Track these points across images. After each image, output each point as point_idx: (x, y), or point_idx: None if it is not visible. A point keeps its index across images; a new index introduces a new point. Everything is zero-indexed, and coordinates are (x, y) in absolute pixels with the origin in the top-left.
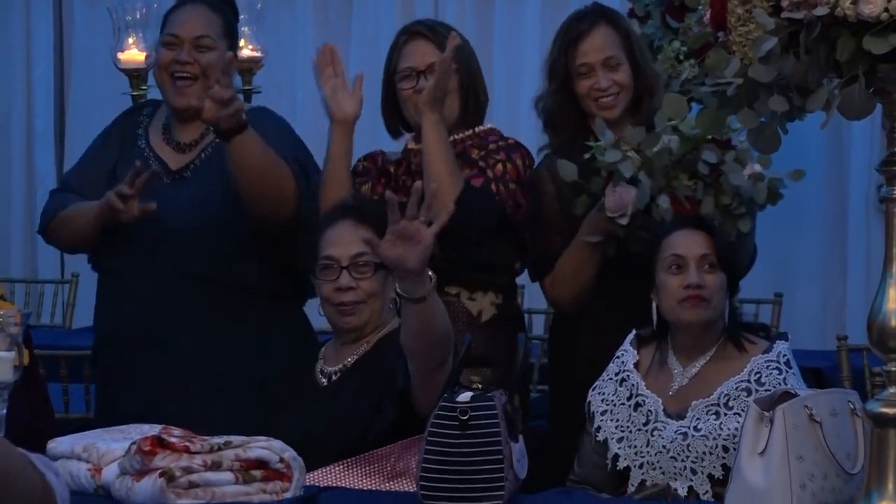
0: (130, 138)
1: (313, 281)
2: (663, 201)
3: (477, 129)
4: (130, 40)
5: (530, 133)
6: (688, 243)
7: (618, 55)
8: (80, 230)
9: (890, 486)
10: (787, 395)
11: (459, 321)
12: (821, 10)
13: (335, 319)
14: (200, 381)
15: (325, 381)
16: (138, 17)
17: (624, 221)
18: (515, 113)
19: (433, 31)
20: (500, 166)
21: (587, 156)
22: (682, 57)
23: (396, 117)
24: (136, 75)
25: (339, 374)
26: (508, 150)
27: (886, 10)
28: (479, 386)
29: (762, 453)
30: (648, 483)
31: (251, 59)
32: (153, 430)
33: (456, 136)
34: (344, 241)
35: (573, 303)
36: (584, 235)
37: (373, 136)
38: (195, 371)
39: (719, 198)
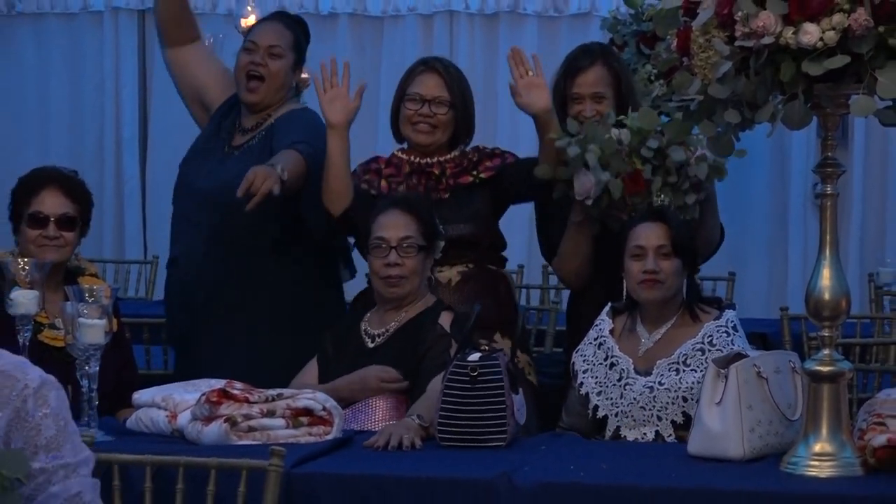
0: (225, 116)
1: (365, 258)
2: (614, 185)
3: (459, 150)
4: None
5: (530, 143)
6: (647, 234)
7: (605, 91)
8: None
9: (824, 430)
10: (739, 356)
11: (435, 289)
12: (767, 40)
13: (382, 290)
14: (256, 334)
15: (370, 342)
16: (208, 44)
17: (589, 202)
18: (517, 123)
19: (447, 70)
20: (509, 156)
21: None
22: (653, 78)
23: (397, 128)
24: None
25: (382, 338)
26: (502, 152)
27: (821, 39)
28: (487, 348)
29: (719, 403)
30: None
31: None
32: (219, 383)
33: (440, 158)
34: (393, 225)
35: (576, 277)
36: (572, 217)
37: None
38: (251, 324)
39: (667, 177)
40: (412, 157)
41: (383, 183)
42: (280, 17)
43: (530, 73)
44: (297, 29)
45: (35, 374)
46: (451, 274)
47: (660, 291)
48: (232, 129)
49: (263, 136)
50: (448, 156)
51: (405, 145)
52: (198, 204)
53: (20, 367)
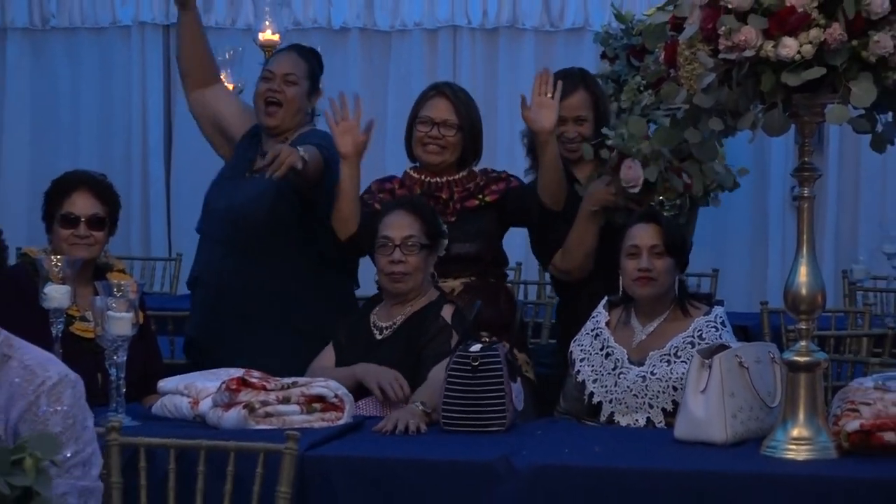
0: (247, 146)
1: (372, 256)
2: (674, 180)
3: (467, 171)
4: (222, 74)
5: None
6: (642, 235)
7: (586, 115)
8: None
9: (801, 415)
10: (722, 347)
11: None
12: (749, 53)
13: (387, 286)
14: (266, 335)
15: (378, 333)
16: (227, 57)
17: (636, 191)
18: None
19: (456, 95)
20: (513, 181)
21: (609, 141)
22: (642, 88)
23: (410, 149)
24: None
25: (389, 330)
26: (507, 176)
27: (799, 52)
28: (487, 340)
29: (703, 391)
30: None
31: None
32: (238, 372)
33: (449, 178)
34: (397, 225)
35: (580, 269)
36: (586, 207)
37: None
38: (262, 326)
39: (705, 181)
40: (423, 177)
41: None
42: (295, 48)
43: (548, 95)
44: (311, 59)
45: (55, 371)
46: (454, 285)
47: (653, 288)
48: (253, 157)
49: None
50: (456, 176)
51: (417, 164)
52: (215, 222)
53: (43, 363)
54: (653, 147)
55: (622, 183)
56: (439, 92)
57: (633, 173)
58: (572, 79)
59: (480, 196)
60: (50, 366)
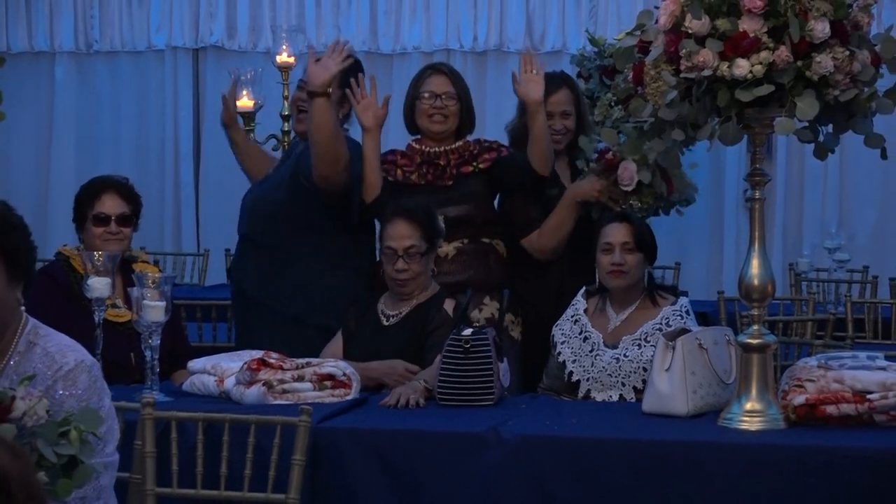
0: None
1: (381, 258)
2: (658, 183)
3: (463, 140)
4: (244, 92)
5: None
6: (615, 232)
7: (570, 109)
8: None
9: (753, 391)
10: (684, 331)
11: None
12: (707, 72)
13: (394, 289)
14: (278, 327)
15: (385, 320)
16: (249, 76)
17: (630, 188)
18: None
19: (451, 71)
20: (504, 150)
21: (614, 149)
22: (613, 104)
23: (412, 123)
24: (247, 115)
25: (395, 318)
26: (499, 146)
27: (751, 72)
28: (477, 324)
29: (668, 370)
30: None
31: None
32: (258, 353)
33: (447, 147)
34: (399, 236)
35: (553, 251)
36: (570, 197)
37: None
38: (275, 318)
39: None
40: (424, 147)
41: (399, 171)
42: None
43: (535, 72)
44: (343, 70)
45: (72, 358)
46: (448, 249)
47: (624, 280)
48: (283, 160)
49: (296, 156)
50: (454, 145)
51: (417, 136)
52: (243, 218)
53: (63, 350)
54: (649, 154)
55: (618, 180)
56: (436, 70)
57: (628, 173)
58: (556, 79)
59: (475, 163)
60: (69, 352)
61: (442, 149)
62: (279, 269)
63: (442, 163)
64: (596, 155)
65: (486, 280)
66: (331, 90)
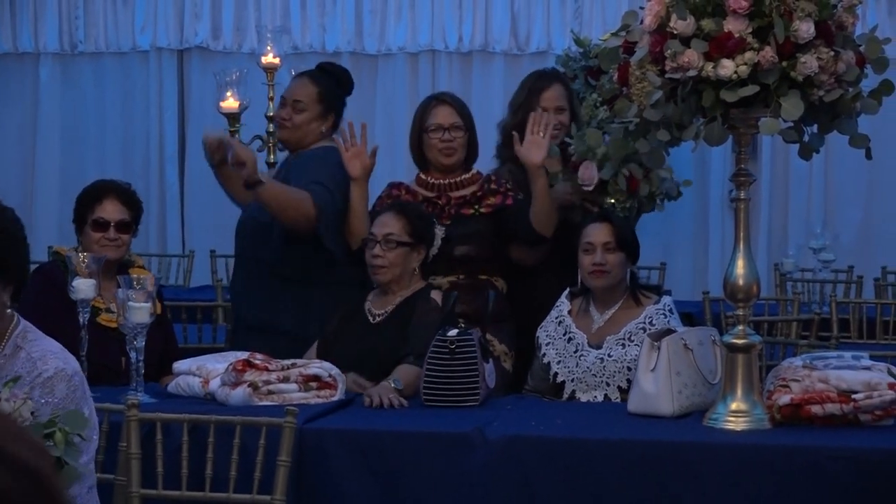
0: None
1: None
2: (621, 181)
3: (475, 172)
4: (228, 93)
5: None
6: (596, 233)
7: (565, 105)
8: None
9: (739, 391)
10: (669, 331)
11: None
12: (692, 73)
13: (371, 275)
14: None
15: (372, 318)
16: (233, 78)
17: (590, 188)
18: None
19: (455, 100)
20: (510, 197)
21: (571, 148)
22: (598, 104)
23: (420, 156)
24: (232, 116)
25: (382, 316)
26: (506, 191)
27: (736, 72)
28: (463, 325)
29: (653, 370)
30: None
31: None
32: (243, 355)
33: (465, 177)
34: (382, 224)
35: (536, 258)
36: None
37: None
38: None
39: (651, 187)
40: (431, 179)
41: None
42: (309, 73)
43: (542, 135)
44: (326, 82)
45: (52, 365)
46: (442, 282)
47: (605, 280)
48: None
49: (284, 170)
50: (463, 176)
51: (422, 170)
52: (238, 235)
53: (45, 356)
54: (606, 151)
55: (579, 181)
56: (440, 101)
57: (589, 173)
58: (549, 75)
59: (477, 206)
60: (50, 359)
61: (446, 181)
62: (277, 289)
63: (441, 202)
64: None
65: (474, 313)
66: (262, 178)
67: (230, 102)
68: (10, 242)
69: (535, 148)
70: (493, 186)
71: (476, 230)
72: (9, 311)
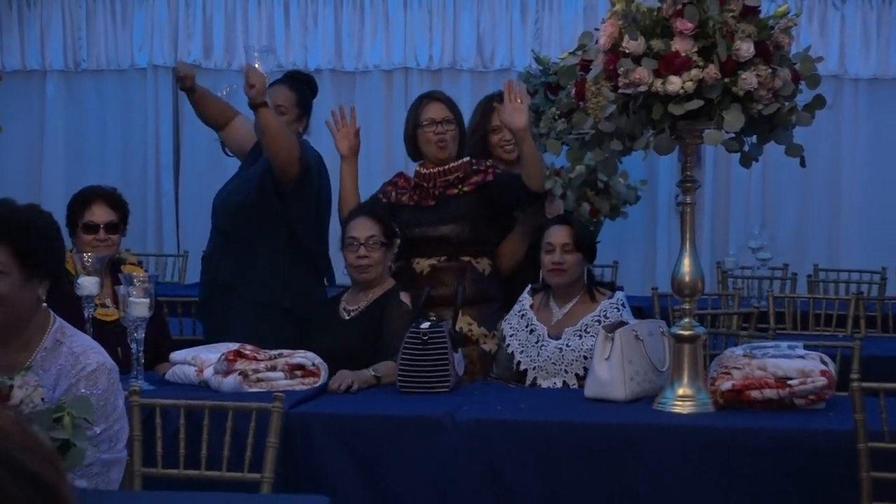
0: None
1: (342, 253)
2: (584, 209)
3: (463, 160)
4: None
5: None
6: (555, 234)
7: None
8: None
9: (685, 378)
10: (622, 323)
11: (410, 276)
12: (643, 88)
13: (355, 276)
14: (250, 311)
15: (346, 315)
16: (224, 92)
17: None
18: None
19: (445, 97)
20: (490, 173)
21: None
22: (557, 117)
23: (414, 149)
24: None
25: (356, 312)
26: (486, 168)
27: (682, 88)
28: (434, 318)
29: (607, 359)
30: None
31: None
32: (234, 346)
33: (454, 164)
34: (361, 227)
35: (510, 268)
36: (520, 230)
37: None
38: (246, 303)
39: (611, 201)
40: (424, 170)
41: (393, 194)
42: (287, 81)
43: (519, 101)
44: (301, 88)
45: (94, 360)
46: (423, 265)
47: (563, 278)
48: (252, 162)
49: (263, 162)
50: (453, 164)
51: (421, 161)
52: (216, 211)
53: (87, 351)
54: (567, 182)
55: (546, 214)
56: (432, 98)
57: (553, 208)
58: (499, 98)
59: (460, 186)
60: (91, 354)
61: (435, 170)
62: (250, 258)
63: (427, 185)
64: None
65: (451, 297)
66: (268, 99)
67: None
68: (45, 242)
69: (516, 113)
70: (474, 167)
71: (459, 210)
72: (44, 305)
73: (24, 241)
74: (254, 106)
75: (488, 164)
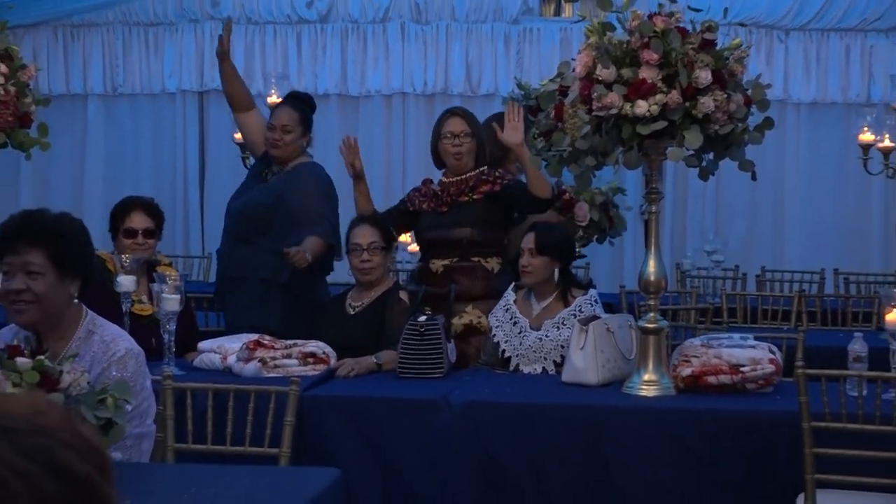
0: (262, 165)
1: (347, 257)
2: (604, 221)
3: (482, 169)
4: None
5: None
6: (526, 240)
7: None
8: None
9: (650, 365)
10: (595, 317)
11: (426, 275)
12: (614, 111)
13: (359, 277)
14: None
15: (351, 310)
16: (258, 113)
17: (584, 224)
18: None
19: (465, 112)
20: (498, 184)
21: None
22: (536, 136)
23: (438, 159)
24: (242, 146)
25: (360, 308)
26: (495, 179)
27: (649, 111)
28: (430, 312)
29: (582, 348)
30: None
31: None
32: (254, 336)
33: (471, 174)
34: (363, 234)
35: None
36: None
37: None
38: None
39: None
40: (445, 178)
41: (417, 200)
42: (290, 100)
43: (517, 120)
44: (303, 107)
45: (123, 346)
46: (438, 265)
47: (530, 278)
48: (267, 173)
49: (282, 177)
50: (471, 174)
51: (444, 170)
52: (230, 218)
53: (116, 339)
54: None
55: (574, 218)
56: (453, 113)
57: (582, 212)
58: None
59: (470, 194)
60: (121, 342)
61: (453, 179)
62: (255, 250)
63: (442, 193)
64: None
65: (468, 292)
66: (308, 257)
67: (240, 135)
68: (76, 247)
69: (513, 132)
70: (483, 177)
71: (469, 216)
72: (75, 301)
73: (58, 245)
74: (218, 55)
75: (497, 174)
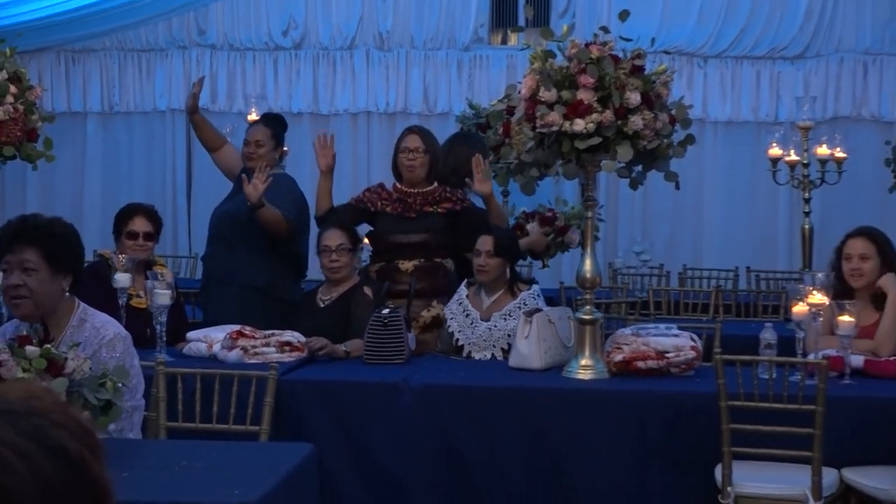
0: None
1: (318, 257)
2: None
3: (434, 185)
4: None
5: None
6: (482, 242)
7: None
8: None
9: (586, 351)
10: (538, 310)
11: (396, 273)
12: (554, 128)
13: (328, 275)
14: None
15: (321, 304)
16: (227, 131)
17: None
18: None
19: (421, 130)
20: (459, 204)
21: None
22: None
23: (397, 171)
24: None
25: (329, 301)
26: (459, 199)
27: (585, 128)
28: (392, 306)
29: (527, 337)
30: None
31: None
32: (236, 327)
33: (425, 189)
34: (332, 237)
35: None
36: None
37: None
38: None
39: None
40: (402, 187)
41: (378, 203)
42: (264, 119)
43: (483, 174)
44: (274, 124)
45: (111, 331)
46: (408, 266)
47: (485, 277)
48: (241, 186)
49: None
50: (425, 189)
51: (399, 181)
52: (214, 223)
53: (105, 325)
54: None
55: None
56: (411, 131)
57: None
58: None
59: (435, 206)
60: (109, 327)
61: (415, 190)
62: (238, 256)
63: (410, 201)
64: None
65: (434, 289)
66: (264, 202)
67: None
68: (66, 245)
69: (482, 184)
70: (447, 195)
71: (434, 224)
72: (67, 294)
73: (50, 245)
74: (254, 208)
75: (459, 195)
